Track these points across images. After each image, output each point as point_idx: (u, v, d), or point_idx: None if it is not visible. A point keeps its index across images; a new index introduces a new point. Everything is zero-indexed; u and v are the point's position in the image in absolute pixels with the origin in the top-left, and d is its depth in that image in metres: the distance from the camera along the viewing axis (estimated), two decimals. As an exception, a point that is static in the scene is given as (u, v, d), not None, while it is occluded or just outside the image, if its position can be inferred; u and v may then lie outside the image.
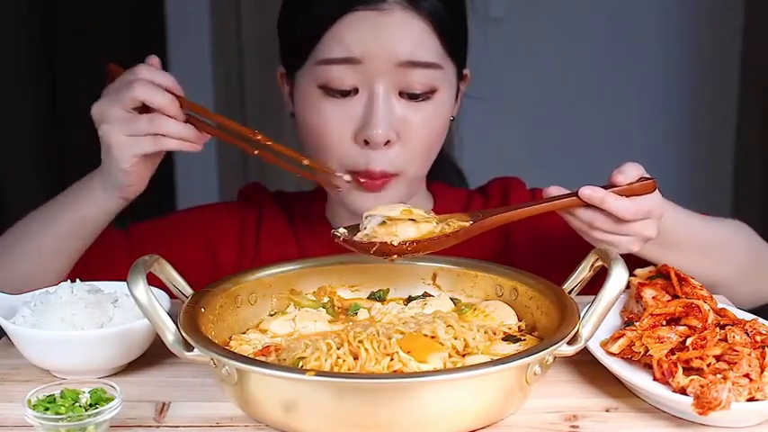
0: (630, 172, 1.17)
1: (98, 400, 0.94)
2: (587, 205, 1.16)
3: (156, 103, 1.17)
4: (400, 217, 1.13)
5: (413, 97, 1.30)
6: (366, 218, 1.16)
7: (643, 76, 3.52)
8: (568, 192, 1.17)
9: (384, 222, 1.14)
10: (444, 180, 1.59)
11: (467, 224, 1.15)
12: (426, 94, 1.30)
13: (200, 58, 3.45)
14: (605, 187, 1.16)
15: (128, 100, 1.17)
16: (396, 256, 1.12)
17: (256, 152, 1.23)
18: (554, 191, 1.19)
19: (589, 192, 1.15)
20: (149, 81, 1.18)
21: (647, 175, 1.18)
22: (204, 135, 1.21)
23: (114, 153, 1.19)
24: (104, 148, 1.21)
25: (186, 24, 3.43)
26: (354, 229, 1.16)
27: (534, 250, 1.45)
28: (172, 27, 3.43)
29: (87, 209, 1.28)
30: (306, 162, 1.28)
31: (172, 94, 1.19)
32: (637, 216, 1.16)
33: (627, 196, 1.15)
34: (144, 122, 1.17)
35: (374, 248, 1.12)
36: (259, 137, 1.22)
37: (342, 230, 1.15)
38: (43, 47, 2.97)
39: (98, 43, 3.12)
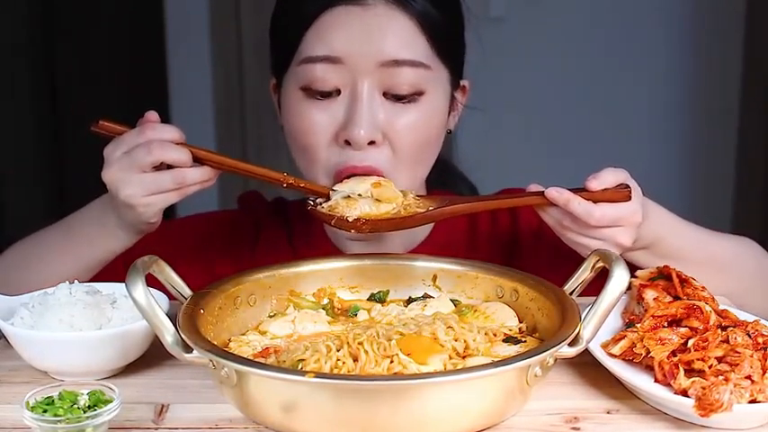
0: (606, 178, 1.18)
1: (97, 401, 0.94)
2: (555, 205, 1.18)
3: (176, 161, 1.19)
4: (365, 194, 1.22)
5: (399, 98, 1.27)
6: (333, 191, 1.24)
7: (647, 77, 3.51)
8: (542, 189, 1.19)
9: (349, 197, 1.22)
10: (455, 193, 1.58)
11: (423, 210, 1.20)
12: (413, 96, 1.27)
13: (199, 59, 3.45)
14: (578, 190, 1.17)
15: (147, 163, 1.18)
16: (353, 230, 1.20)
17: (285, 186, 1.25)
18: (533, 187, 1.21)
19: (555, 193, 1.17)
20: (162, 140, 1.18)
21: (630, 182, 1.19)
22: (216, 170, 1.22)
23: (140, 211, 1.21)
24: (125, 207, 1.22)
25: (186, 24, 3.43)
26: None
27: (543, 251, 1.44)
28: (171, 27, 3.43)
29: (107, 247, 1.30)
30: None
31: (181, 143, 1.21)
32: (601, 222, 1.17)
33: (597, 201, 1.17)
34: (167, 180, 1.19)
35: (333, 220, 1.21)
36: (291, 180, 1.24)
37: (319, 200, 1.24)
38: (43, 47, 2.98)
39: (97, 44, 3.12)
